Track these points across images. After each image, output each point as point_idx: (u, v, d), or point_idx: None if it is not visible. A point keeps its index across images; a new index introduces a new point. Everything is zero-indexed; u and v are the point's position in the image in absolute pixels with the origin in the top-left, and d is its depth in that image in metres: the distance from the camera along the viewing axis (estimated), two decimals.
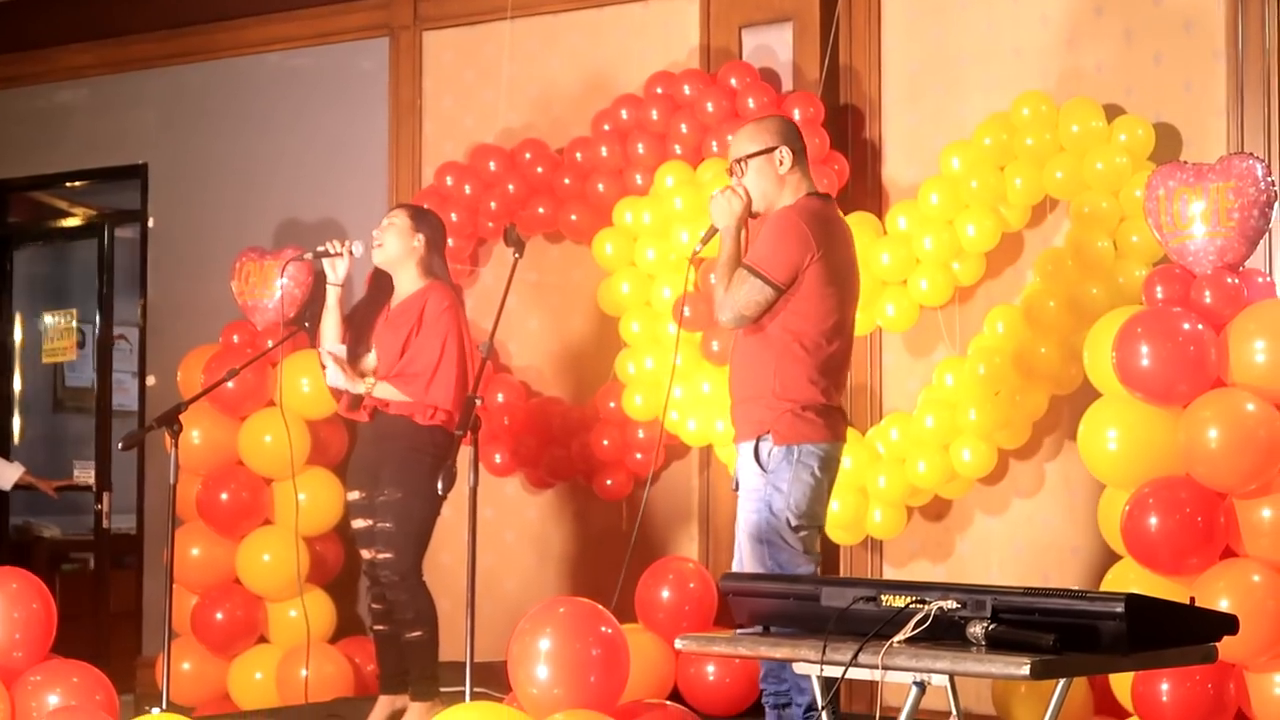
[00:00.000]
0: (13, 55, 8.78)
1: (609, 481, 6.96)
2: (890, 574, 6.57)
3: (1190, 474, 5.17)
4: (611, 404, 6.85)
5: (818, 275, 5.04)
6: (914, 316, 6.30)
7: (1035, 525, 6.34)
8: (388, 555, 5.97)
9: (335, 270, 6.12)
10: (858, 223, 6.29)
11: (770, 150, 5.17)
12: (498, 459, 7.12)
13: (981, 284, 6.35)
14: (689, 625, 6.15)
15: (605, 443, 6.87)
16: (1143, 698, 5.14)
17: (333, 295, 6.12)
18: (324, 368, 6.15)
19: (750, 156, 5.18)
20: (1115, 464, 5.39)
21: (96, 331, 8.90)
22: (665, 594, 6.36)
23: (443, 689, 6.03)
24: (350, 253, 6.13)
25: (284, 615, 7.22)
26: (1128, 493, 5.29)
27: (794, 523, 5.03)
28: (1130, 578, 5.28)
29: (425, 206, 6.56)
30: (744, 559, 5.13)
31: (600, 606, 4.54)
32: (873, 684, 3.99)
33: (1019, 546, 6.38)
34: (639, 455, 6.86)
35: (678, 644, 4.10)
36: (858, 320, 6.24)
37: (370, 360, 6.13)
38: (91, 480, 8.80)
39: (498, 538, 7.40)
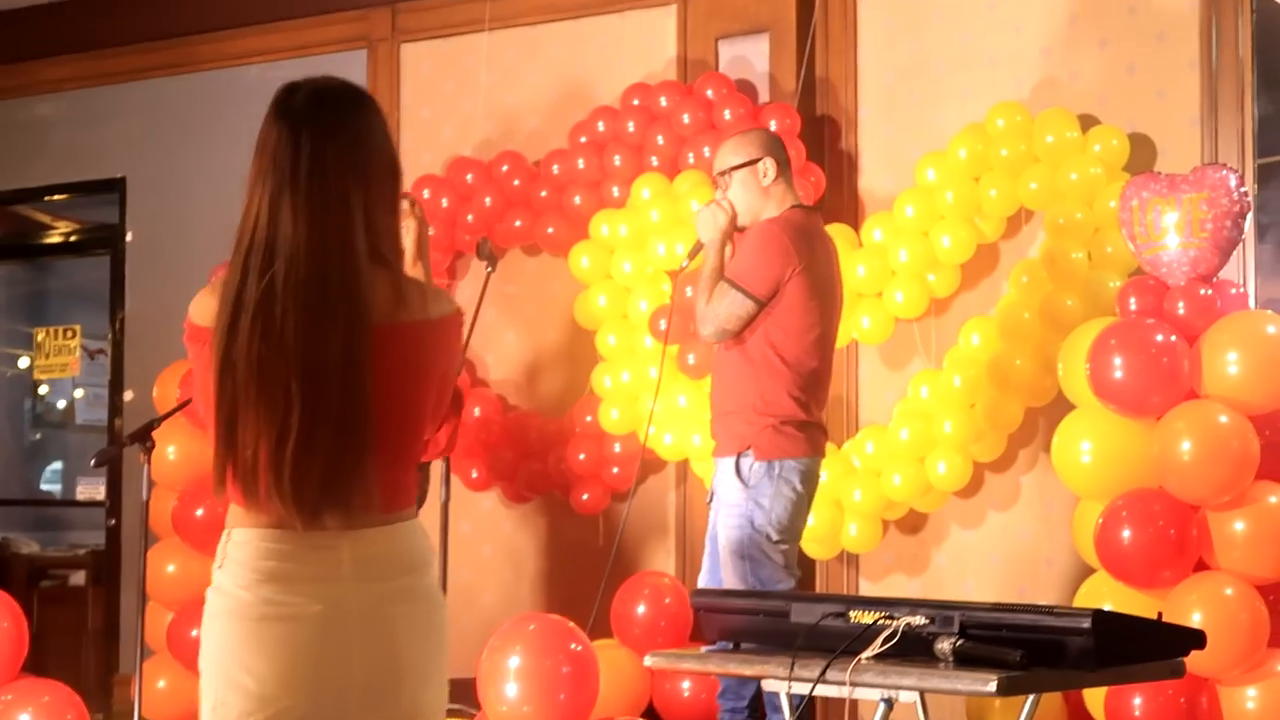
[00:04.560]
0: None
1: (585, 496, 6.92)
2: (866, 588, 6.55)
3: (1163, 486, 5.15)
4: (588, 418, 6.82)
5: (799, 288, 5.02)
6: (890, 329, 6.28)
7: (1011, 538, 6.33)
8: None
9: None
10: (833, 235, 6.27)
11: (754, 162, 5.17)
12: (474, 474, 7.09)
13: (958, 296, 6.33)
14: (664, 641, 6.09)
15: (581, 457, 6.83)
16: (1115, 712, 5.12)
17: None
18: None
19: (734, 169, 5.18)
20: (1089, 476, 5.37)
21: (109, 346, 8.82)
22: (641, 609, 6.30)
23: None
24: None
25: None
26: (1102, 505, 5.27)
27: (775, 537, 5.03)
28: (1104, 591, 5.26)
29: None
30: (724, 575, 5.11)
31: (571, 623, 4.52)
32: (849, 700, 3.97)
33: (995, 560, 6.36)
34: (615, 469, 6.84)
35: (647, 661, 4.07)
36: None
37: None
38: (102, 495, 8.77)
39: (475, 552, 7.37)
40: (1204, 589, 5.06)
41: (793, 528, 5.09)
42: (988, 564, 6.38)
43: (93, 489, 9.14)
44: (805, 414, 5.08)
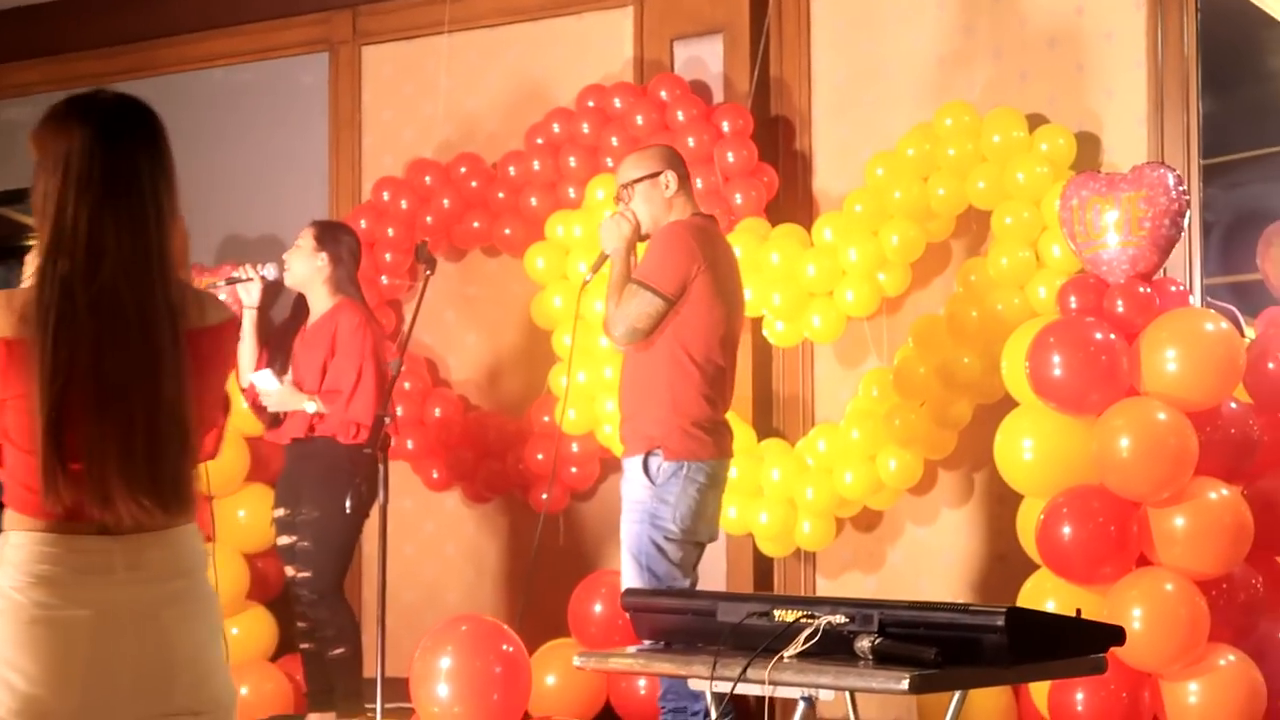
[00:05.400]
0: None
1: (544, 495, 6.94)
2: (823, 585, 6.58)
3: (1104, 483, 5.18)
4: (545, 418, 6.84)
5: (705, 287, 5.13)
6: (841, 327, 6.30)
7: (964, 535, 6.36)
8: (307, 574, 6.00)
9: (249, 294, 6.21)
10: (785, 234, 6.31)
11: (655, 175, 5.31)
12: (435, 474, 7.12)
13: (910, 294, 6.35)
14: (621, 639, 6.10)
15: (539, 456, 6.86)
16: (1058, 706, 5.16)
17: (247, 319, 6.20)
18: (246, 390, 6.18)
19: (636, 181, 5.33)
20: (1031, 473, 5.41)
21: None
22: (598, 608, 6.35)
23: (369, 705, 6.04)
24: (262, 277, 6.20)
25: (226, 631, 7.19)
26: (1044, 502, 5.30)
27: (677, 535, 5.10)
28: (1047, 587, 5.30)
29: (337, 222, 6.62)
30: (624, 572, 5.18)
31: (503, 625, 4.55)
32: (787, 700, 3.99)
33: (950, 556, 6.39)
34: (574, 469, 6.87)
35: (576, 661, 4.10)
36: (785, 331, 6.32)
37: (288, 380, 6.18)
38: None
39: (438, 551, 7.40)
40: (1144, 585, 5.09)
41: (694, 529, 5.16)
42: (942, 561, 6.41)
43: None
44: (714, 413, 5.18)
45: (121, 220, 2.81)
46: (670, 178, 5.30)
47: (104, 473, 2.74)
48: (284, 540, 6.17)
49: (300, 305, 6.38)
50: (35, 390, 2.73)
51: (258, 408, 6.24)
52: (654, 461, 5.13)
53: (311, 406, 6.02)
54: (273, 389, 6.07)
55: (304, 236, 6.26)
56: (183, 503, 2.83)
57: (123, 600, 2.79)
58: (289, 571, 6.18)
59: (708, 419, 5.18)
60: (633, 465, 5.19)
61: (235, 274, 6.27)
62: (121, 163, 2.85)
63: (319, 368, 6.06)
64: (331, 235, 6.26)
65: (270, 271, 6.25)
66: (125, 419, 2.75)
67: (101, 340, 2.75)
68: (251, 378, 6.13)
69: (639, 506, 5.15)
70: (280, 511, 6.20)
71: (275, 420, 6.20)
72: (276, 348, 6.24)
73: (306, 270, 6.18)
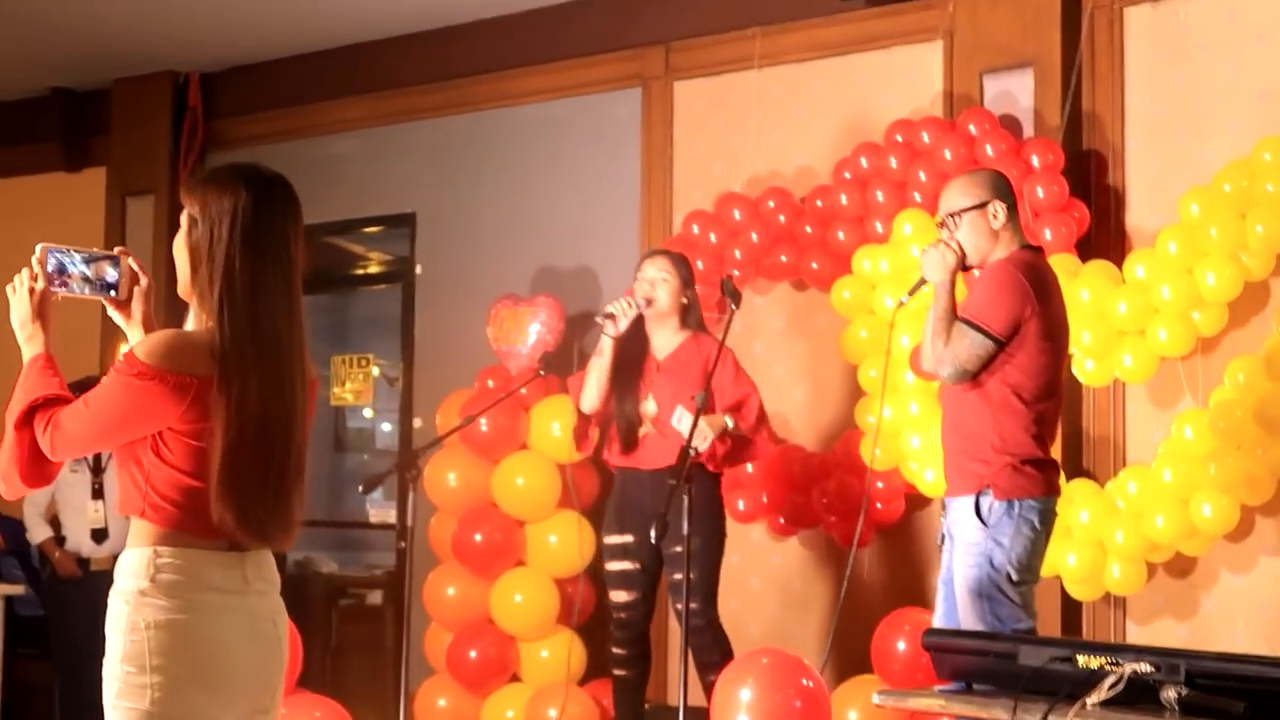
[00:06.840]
0: (292, 109, 9.18)
1: (858, 527, 6.93)
2: (1134, 632, 6.42)
3: None
4: (851, 453, 6.84)
5: (1036, 328, 5.01)
6: (1153, 367, 6.16)
7: None
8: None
9: (617, 325, 6.29)
10: (1095, 271, 6.20)
11: (983, 205, 5.14)
12: (740, 505, 7.17)
13: (1226, 334, 6.18)
14: (925, 678, 6.07)
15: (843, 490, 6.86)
16: None
17: (609, 348, 6.29)
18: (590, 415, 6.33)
19: (963, 211, 5.16)
20: None
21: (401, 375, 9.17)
22: (901, 645, 6.32)
23: None
24: (637, 308, 6.29)
25: (536, 655, 7.36)
26: None
27: (1015, 577, 5.00)
28: None
29: (679, 254, 6.65)
30: (962, 615, 5.09)
31: (803, 659, 4.56)
32: None
33: (1266, 606, 6.17)
34: (879, 505, 6.85)
35: (875, 699, 4.10)
36: (1096, 370, 6.21)
37: (649, 408, 6.28)
38: (393, 518, 9.14)
39: (743, 583, 7.45)
40: None
41: (1031, 567, 5.05)
42: (1259, 610, 6.20)
43: (384, 512, 9.49)
44: (1042, 452, 5.06)
45: (278, 276, 3.24)
46: (999, 208, 5.13)
47: (246, 499, 3.19)
48: (625, 566, 6.31)
49: (630, 338, 6.40)
50: (214, 425, 3.17)
51: (587, 435, 6.38)
52: (984, 501, 5.03)
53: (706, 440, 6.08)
54: (688, 423, 6.02)
55: (666, 271, 6.32)
56: (295, 528, 3.30)
57: (256, 608, 3.28)
58: (622, 597, 6.31)
59: (1035, 457, 5.06)
60: (962, 506, 5.10)
61: (611, 308, 6.33)
62: (275, 226, 3.27)
63: (688, 397, 6.11)
64: (687, 270, 6.38)
65: (643, 304, 6.35)
66: (266, 453, 3.21)
67: (264, 384, 3.21)
68: (674, 420, 6.16)
69: (974, 549, 5.05)
70: (625, 538, 6.30)
71: (632, 444, 6.27)
72: (622, 378, 6.33)
73: (671, 305, 6.31)
